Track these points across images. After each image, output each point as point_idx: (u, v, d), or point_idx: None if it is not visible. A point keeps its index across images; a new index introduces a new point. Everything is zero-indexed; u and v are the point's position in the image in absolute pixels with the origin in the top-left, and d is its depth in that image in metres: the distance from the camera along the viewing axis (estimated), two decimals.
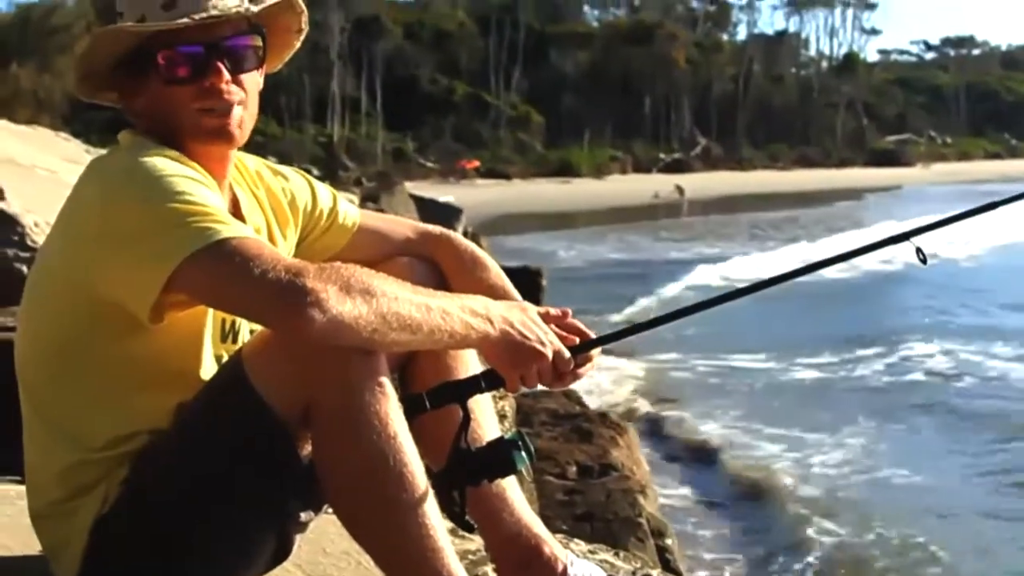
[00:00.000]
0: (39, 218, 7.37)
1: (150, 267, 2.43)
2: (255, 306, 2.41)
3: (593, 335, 2.82)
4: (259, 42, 2.75)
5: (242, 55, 2.71)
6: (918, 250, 2.94)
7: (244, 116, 2.72)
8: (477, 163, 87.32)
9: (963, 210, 3.15)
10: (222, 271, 2.40)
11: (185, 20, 2.60)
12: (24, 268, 6.98)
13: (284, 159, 3.44)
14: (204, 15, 2.61)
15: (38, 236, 7.20)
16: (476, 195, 63.01)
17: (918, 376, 18.65)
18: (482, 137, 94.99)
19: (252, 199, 2.92)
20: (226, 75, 2.66)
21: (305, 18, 2.88)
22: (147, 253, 2.43)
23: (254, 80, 2.75)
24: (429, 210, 37.40)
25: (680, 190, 76.34)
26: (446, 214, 36.63)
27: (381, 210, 3.53)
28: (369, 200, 32.89)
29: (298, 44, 2.94)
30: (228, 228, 2.43)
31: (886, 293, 29.32)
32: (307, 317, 2.31)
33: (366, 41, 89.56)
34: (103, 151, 2.98)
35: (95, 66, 2.70)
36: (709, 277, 31.24)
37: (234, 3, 2.68)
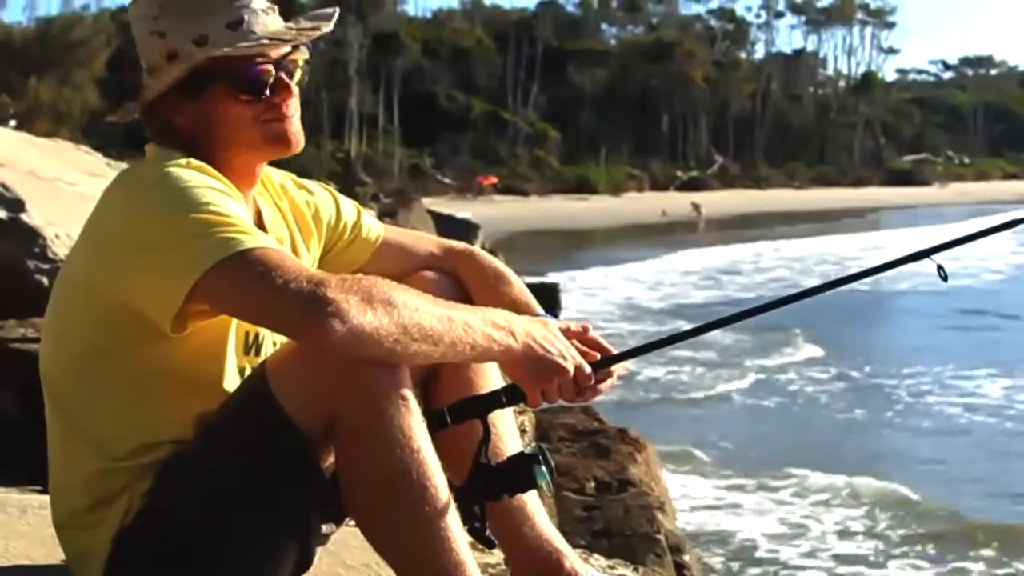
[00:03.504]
0: (60, 230, 7.39)
1: (174, 276, 2.44)
2: (277, 316, 2.41)
3: (614, 350, 2.82)
4: (306, 55, 2.79)
5: (294, 69, 2.75)
6: (939, 268, 2.93)
7: (299, 122, 2.78)
8: (494, 179, 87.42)
9: (986, 227, 3.14)
10: (245, 281, 2.41)
11: (289, 36, 2.69)
12: (45, 280, 7.00)
13: (301, 174, 3.42)
14: (295, 34, 2.70)
15: (59, 248, 7.22)
16: (493, 211, 63.15)
17: None
18: (499, 154, 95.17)
19: (276, 212, 2.93)
20: (294, 90, 2.71)
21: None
22: (171, 262, 2.45)
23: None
24: (446, 226, 37.50)
25: (697, 208, 76.35)
26: (463, 230, 36.75)
27: (399, 225, 3.53)
28: (386, 216, 32.92)
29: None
30: (252, 239, 2.44)
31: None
32: (328, 327, 2.32)
33: (384, 57, 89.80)
34: (123, 164, 3.00)
35: (158, 90, 2.70)
36: None
37: (288, 23, 2.74)
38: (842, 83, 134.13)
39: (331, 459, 2.52)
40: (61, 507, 2.73)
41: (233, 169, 2.69)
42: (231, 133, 2.69)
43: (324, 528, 2.69)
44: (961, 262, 36.11)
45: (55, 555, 2.87)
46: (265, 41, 2.65)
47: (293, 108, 2.74)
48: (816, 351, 23.36)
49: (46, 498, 2.82)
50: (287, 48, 2.72)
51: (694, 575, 6.33)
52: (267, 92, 2.68)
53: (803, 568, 11.23)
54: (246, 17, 2.66)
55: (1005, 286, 37.10)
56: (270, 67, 2.68)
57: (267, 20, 2.70)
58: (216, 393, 2.64)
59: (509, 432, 2.91)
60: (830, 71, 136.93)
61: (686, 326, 3.15)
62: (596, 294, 35.11)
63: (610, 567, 3.68)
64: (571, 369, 2.64)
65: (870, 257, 41.14)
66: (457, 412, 2.66)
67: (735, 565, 11.05)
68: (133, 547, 2.59)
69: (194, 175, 2.55)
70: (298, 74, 2.77)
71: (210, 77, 2.66)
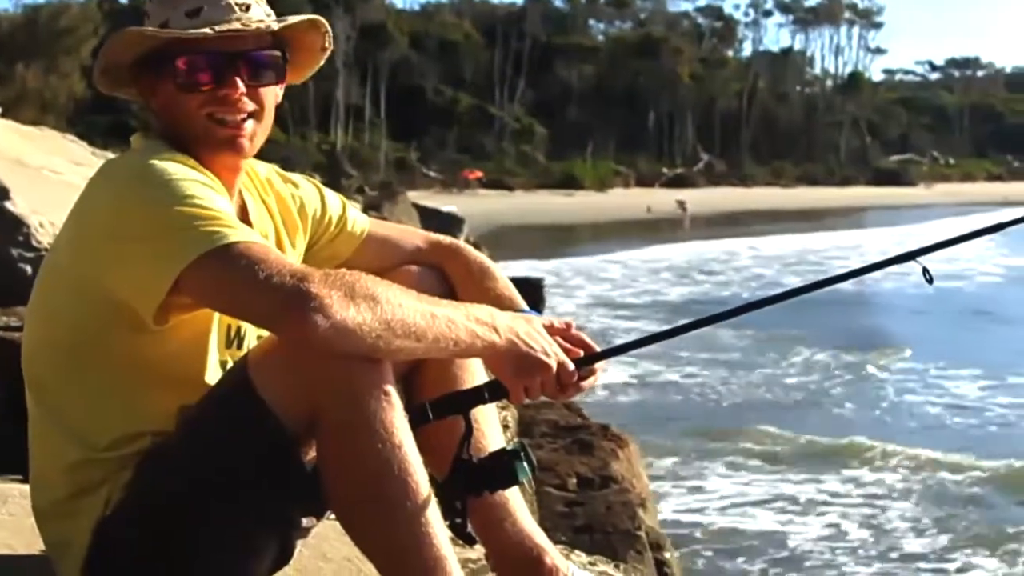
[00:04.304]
0: (44, 219, 7.38)
1: (157, 268, 2.44)
2: (259, 310, 2.42)
3: (597, 348, 2.82)
4: (279, 57, 2.77)
5: (261, 68, 2.73)
6: (924, 270, 2.94)
7: (256, 128, 2.74)
8: (480, 174, 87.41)
9: (971, 231, 3.15)
10: (227, 274, 2.41)
11: (206, 31, 2.62)
12: (29, 268, 6.99)
13: (287, 166, 3.43)
14: (226, 27, 2.64)
15: (43, 237, 7.21)
16: (479, 206, 63.16)
17: None
18: (485, 148, 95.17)
19: (261, 205, 2.93)
20: (241, 87, 2.68)
21: (330, 37, 2.90)
22: (154, 255, 2.45)
23: (271, 93, 2.77)
24: (431, 220, 37.50)
25: (682, 205, 76.44)
26: (448, 224, 36.73)
27: (384, 219, 3.54)
28: (372, 209, 32.90)
29: (323, 61, 2.96)
30: (235, 232, 2.44)
31: None
32: (311, 322, 2.32)
33: (372, 49, 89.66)
34: (108, 154, 3.00)
35: (116, 62, 2.72)
36: None
37: (258, 18, 2.70)
38: (829, 82, 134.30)
39: (312, 453, 2.52)
40: (42, 497, 2.73)
41: (214, 163, 2.69)
42: (186, 123, 2.69)
43: (305, 521, 2.68)
44: (955, 264, 36.42)
45: (36, 545, 2.87)
46: (206, 30, 2.63)
47: (247, 106, 2.71)
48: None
49: (27, 487, 2.82)
50: (249, 45, 2.70)
51: (675, 572, 6.33)
52: (208, 82, 2.67)
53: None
54: (205, 8, 2.66)
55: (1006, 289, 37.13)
56: (218, 58, 2.66)
57: (239, 15, 2.68)
58: (198, 386, 2.64)
59: (491, 428, 2.91)
60: (817, 70, 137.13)
61: (669, 324, 3.16)
62: (580, 289, 35.20)
63: (591, 563, 3.69)
64: (554, 366, 2.64)
65: (852, 256, 41.29)
66: (439, 407, 2.66)
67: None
68: (114, 538, 2.60)
69: (178, 168, 2.55)
70: (268, 75, 2.76)
71: (165, 60, 2.66)
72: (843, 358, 22.65)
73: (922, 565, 11.13)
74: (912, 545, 11.65)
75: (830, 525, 12.19)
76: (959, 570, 11.06)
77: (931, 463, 14.79)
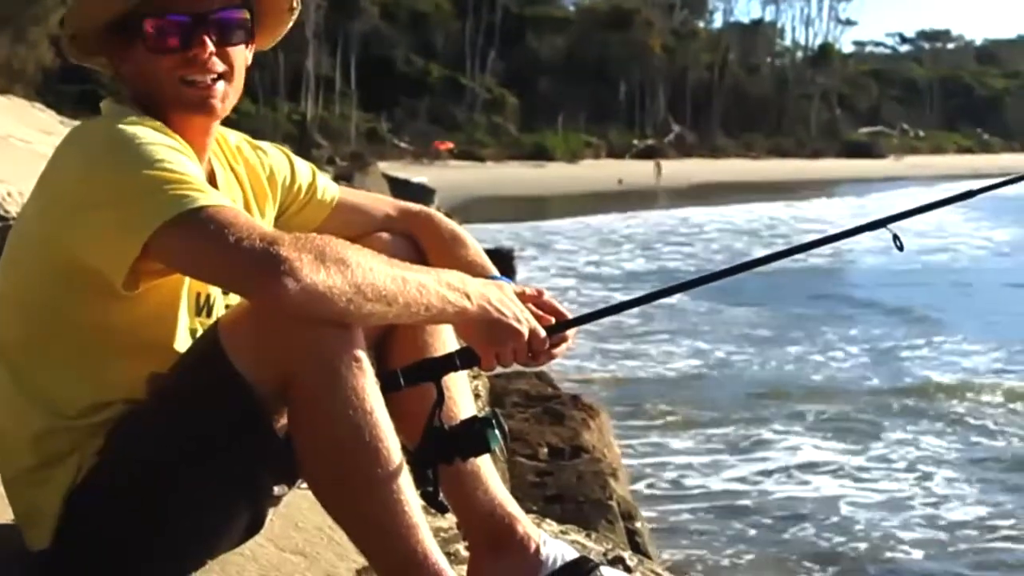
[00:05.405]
0: (12, 188, 7.32)
1: (126, 233, 2.42)
2: (229, 273, 2.40)
3: (569, 315, 2.82)
4: (247, 16, 2.76)
5: (229, 28, 2.71)
6: (895, 237, 2.95)
7: (228, 89, 2.73)
8: (451, 145, 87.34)
9: (941, 198, 3.16)
10: (197, 239, 2.39)
11: None
12: None
13: (257, 136, 3.41)
14: None
15: (11, 206, 7.14)
16: (450, 177, 63.14)
17: None
18: (456, 119, 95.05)
19: (230, 173, 2.91)
20: (210, 47, 2.66)
21: None
22: (123, 219, 2.43)
23: (241, 54, 2.76)
24: (403, 190, 37.53)
25: (658, 167, 76.82)
26: (420, 195, 36.73)
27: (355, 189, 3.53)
28: (342, 179, 32.65)
29: (291, 22, 2.94)
30: (205, 196, 2.42)
31: None
32: (281, 285, 2.30)
33: (342, 20, 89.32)
34: (77, 123, 2.97)
35: (85, 28, 2.70)
36: None
37: None
38: (800, 54, 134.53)
39: (284, 420, 2.51)
40: (11, 465, 2.71)
41: (185, 128, 2.67)
42: (157, 87, 2.67)
43: (276, 490, 2.68)
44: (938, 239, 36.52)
45: (6, 515, 2.85)
46: None
47: (216, 67, 2.69)
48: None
49: None
50: (217, 4, 2.68)
51: (646, 541, 6.35)
52: (177, 43, 2.65)
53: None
54: None
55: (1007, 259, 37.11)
56: (186, 19, 2.64)
57: None
58: (167, 354, 2.63)
59: (463, 396, 2.91)
60: (788, 42, 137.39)
61: (636, 292, 3.15)
62: (549, 259, 35.21)
63: (562, 532, 3.70)
64: (525, 332, 2.63)
65: (819, 226, 41.40)
66: (410, 374, 2.65)
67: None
68: (85, 505, 2.59)
69: (147, 132, 2.53)
70: (237, 35, 2.74)
71: (134, 23, 2.64)
72: (872, 332, 22.66)
73: (969, 532, 11.10)
74: (961, 512, 11.63)
75: (885, 491, 12.14)
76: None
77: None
